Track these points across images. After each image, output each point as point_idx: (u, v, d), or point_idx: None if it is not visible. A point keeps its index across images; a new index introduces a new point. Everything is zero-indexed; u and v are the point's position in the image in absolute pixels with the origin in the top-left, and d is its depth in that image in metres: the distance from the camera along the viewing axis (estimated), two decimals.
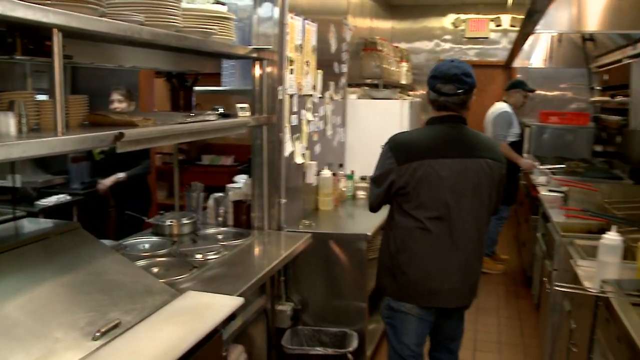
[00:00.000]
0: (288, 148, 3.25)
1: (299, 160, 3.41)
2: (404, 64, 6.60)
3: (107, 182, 4.44)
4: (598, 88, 4.09)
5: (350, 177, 4.24)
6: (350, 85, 4.80)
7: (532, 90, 5.59)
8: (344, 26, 4.23)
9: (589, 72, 4.59)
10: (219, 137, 6.77)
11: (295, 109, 3.32)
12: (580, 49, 7.44)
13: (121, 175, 4.42)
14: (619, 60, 5.69)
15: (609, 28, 4.42)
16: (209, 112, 2.76)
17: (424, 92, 8.58)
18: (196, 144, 6.97)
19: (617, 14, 4.26)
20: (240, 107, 2.96)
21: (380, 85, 5.01)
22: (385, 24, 8.20)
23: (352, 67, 5.29)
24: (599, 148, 7.19)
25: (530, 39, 7.45)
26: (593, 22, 4.48)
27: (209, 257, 2.75)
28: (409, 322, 2.54)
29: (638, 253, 2.30)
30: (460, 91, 2.44)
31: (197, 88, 3.25)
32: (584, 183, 3.85)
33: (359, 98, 4.51)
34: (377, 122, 4.39)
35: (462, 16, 8.26)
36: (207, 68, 3.18)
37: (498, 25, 8.15)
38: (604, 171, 5.58)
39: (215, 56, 3.06)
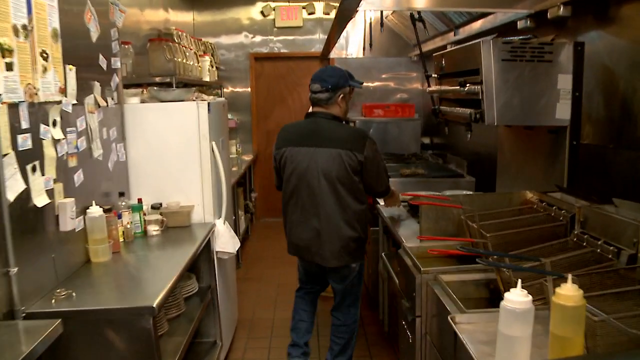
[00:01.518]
0: (15, 186, 2.08)
1: (40, 201, 2.24)
2: (207, 57, 5.57)
3: None
4: (434, 76, 3.38)
5: (137, 208, 3.14)
6: (134, 86, 3.68)
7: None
8: (111, 7, 3.11)
9: (422, 58, 3.91)
10: None
11: (25, 125, 2.15)
12: (400, 37, 6.98)
13: None
14: (444, 47, 5.19)
15: (436, 5, 3.80)
16: None
17: (235, 90, 7.71)
18: None
19: None
20: None
21: (174, 83, 3.95)
22: (186, 16, 7.12)
23: (141, 64, 4.17)
24: (426, 140, 6.79)
25: (348, 26, 6.87)
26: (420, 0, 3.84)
27: None
28: (298, 266, 3.53)
29: (553, 313, 1.52)
30: (323, 89, 3.05)
31: None
32: (435, 196, 3.12)
33: (142, 102, 3.41)
34: (169, 131, 3.33)
35: (272, 4, 7.42)
36: None
37: (311, 13, 7.43)
38: (441, 168, 5.04)
39: None
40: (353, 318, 3.37)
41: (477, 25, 4.46)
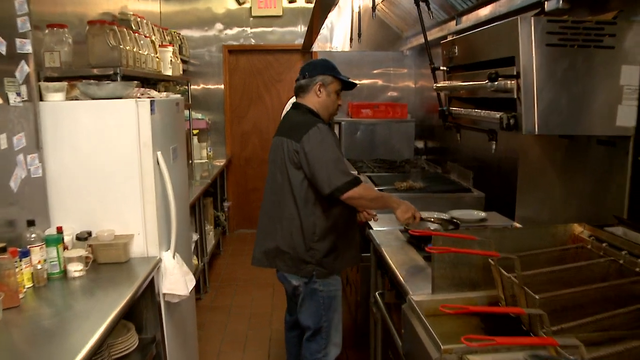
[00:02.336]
0: None
1: None
2: (169, 48, 4.78)
3: None
4: (443, 68, 2.65)
5: (52, 240, 2.35)
6: (67, 80, 2.88)
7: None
8: None
9: (426, 46, 3.16)
10: None
11: None
12: (390, 28, 6.25)
13: None
14: (444, 38, 4.47)
15: None
16: None
17: (207, 86, 6.93)
18: None
19: None
20: None
21: (119, 77, 3.17)
22: (150, 4, 6.33)
23: (84, 54, 3.39)
24: (419, 144, 6.07)
25: (332, 16, 6.13)
26: None
27: None
28: None
29: None
30: (300, 75, 2.83)
31: None
32: (453, 234, 2.39)
33: (69, 99, 2.64)
34: (101, 137, 2.54)
35: None
36: None
37: (292, 2, 6.67)
38: (442, 179, 4.31)
39: None
40: (314, 356, 2.85)
41: (485, 12, 3.75)
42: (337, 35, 6.51)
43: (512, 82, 2.01)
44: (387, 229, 3.05)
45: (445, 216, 3.16)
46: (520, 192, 3.06)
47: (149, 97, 2.62)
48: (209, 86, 6.81)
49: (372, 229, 3.06)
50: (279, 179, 2.74)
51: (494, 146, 2.37)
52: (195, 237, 4.37)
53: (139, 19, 4.77)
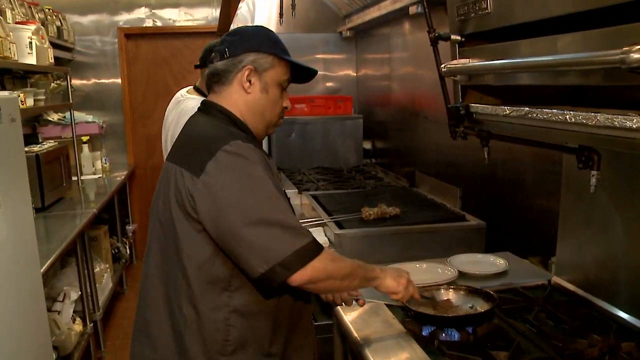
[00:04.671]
0: None
1: None
2: (30, 25, 3.44)
3: None
4: (456, 38, 1.52)
5: None
6: None
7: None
8: None
9: (424, 3, 2.01)
10: None
11: None
12: (326, 6, 5.14)
13: None
14: (404, 10, 3.41)
15: None
16: None
17: (100, 81, 5.53)
18: None
19: None
20: None
21: None
22: None
23: None
24: (366, 145, 4.99)
25: None
26: None
27: None
28: None
29: None
30: (215, 54, 1.60)
31: None
32: None
33: None
34: None
35: None
36: None
37: None
38: (419, 199, 3.18)
39: None
40: None
41: None
42: (259, 15, 5.32)
43: None
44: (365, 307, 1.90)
45: (450, 271, 2.06)
46: (564, 227, 2.00)
47: None
48: (103, 80, 5.46)
49: (339, 304, 1.90)
50: (162, 238, 1.52)
51: (594, 181, 1.26)
52: (74, 295, 3.09)
53: None
